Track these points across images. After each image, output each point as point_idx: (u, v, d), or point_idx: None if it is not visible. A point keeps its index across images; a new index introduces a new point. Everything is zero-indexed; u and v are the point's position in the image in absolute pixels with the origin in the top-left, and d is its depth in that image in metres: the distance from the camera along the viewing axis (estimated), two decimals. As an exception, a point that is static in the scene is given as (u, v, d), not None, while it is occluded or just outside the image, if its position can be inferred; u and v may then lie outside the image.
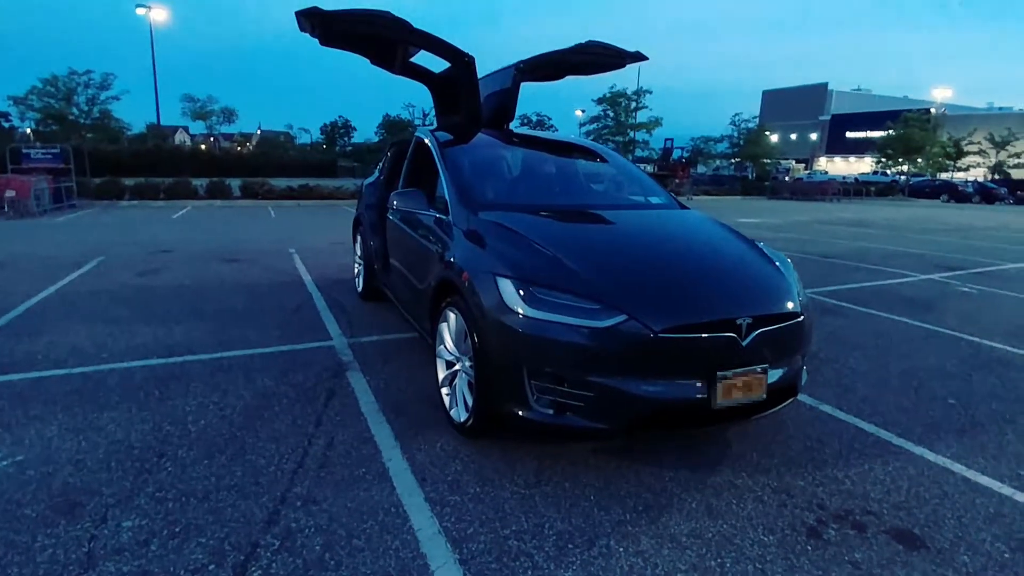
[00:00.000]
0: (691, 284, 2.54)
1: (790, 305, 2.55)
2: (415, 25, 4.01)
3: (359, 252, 5.63)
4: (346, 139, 59.93)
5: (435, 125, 4.66)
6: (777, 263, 2.88)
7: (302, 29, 4.25)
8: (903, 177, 37.98)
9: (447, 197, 3.31)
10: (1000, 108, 58.06)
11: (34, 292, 5.50)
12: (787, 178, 33.54)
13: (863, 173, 44.15)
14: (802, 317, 2.55)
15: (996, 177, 37.72)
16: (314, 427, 2.89)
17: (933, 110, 41.32)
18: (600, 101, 33.91)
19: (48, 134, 21.94)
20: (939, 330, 4.98)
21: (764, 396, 2.40)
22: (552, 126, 40.32)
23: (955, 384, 3.72)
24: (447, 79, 4.67)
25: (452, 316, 2.87)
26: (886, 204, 27.89)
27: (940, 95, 55.26)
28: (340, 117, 59.91)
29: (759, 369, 2.37)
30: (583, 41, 4.46)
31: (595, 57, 4.67)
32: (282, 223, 12.79)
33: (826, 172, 48.41)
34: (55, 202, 14.48)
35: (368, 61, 4.90)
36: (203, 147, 52.55)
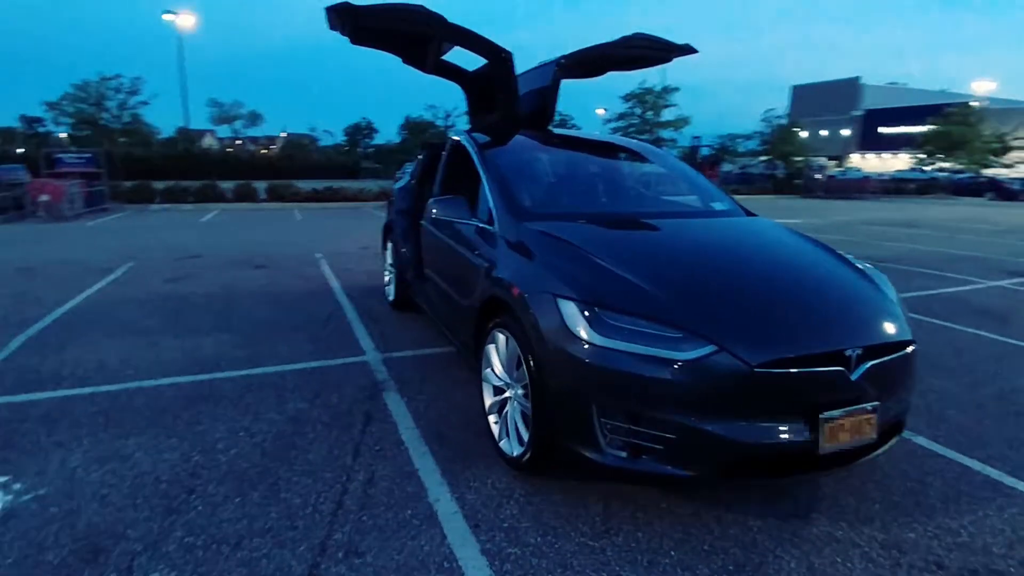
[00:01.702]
0: (789, 308, 2.21)
1: (901, 332, 2.21)
2: (450, 20, 3.77)
3: (390, 260, 5.40)
4: (369, 140, 60.43)
5: (468, 126, 4.40)
6: (876, 280, 2.54)
7: (332, 27, 4.03)
8: (943, 174, 36.55)
9: (491, 205, 3.04)
10: (1046, 100, 55.65)
11: (63, 300, 5.38)
12: (821, 176, 32.42)
13: (899, 170, 42.60)
14: (914, 346, 2.21)
15: (1044, 173, 36.05)
16: (352, 458, 2.64)
17: (975, 103, 39.59)
18: (628, 98, 33.39)
19: (82, 139, 22.43)
20: None
21: (875, 437, 2.07)
22: (575, 125, 39.95)
23: (1058, 410, 3.32)
24: (482, 77, 4.41)
25: (502, 338, 2.60)
26: (929, 203, 26.85)
27: (982, 88, 53.16)
28: (363, 119, 60.40)
29: (869, 408, 2.04)
30: (628, 34, 4.14)
31: (640, 51, 4.34)
32: (308, 226, 12.70)
33: (860, 169, 46.93)
34: (88, 205, 14.65)
35: (400, 60, 4.68)
36: (229, 150, 53.43)
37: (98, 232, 11.18)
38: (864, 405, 2.03)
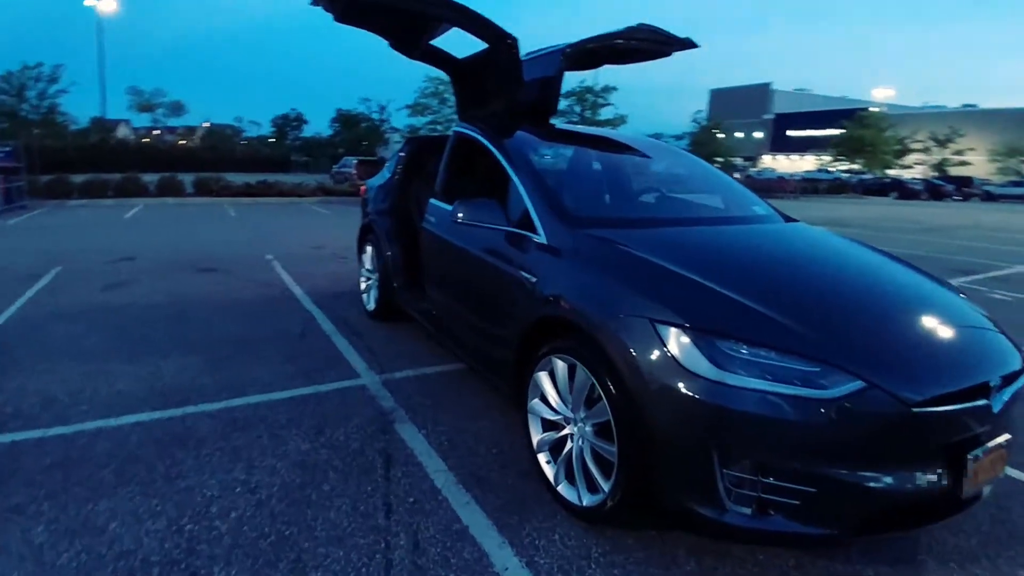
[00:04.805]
0: (921, 335, 1.99)
1: (1020, 356, 2.03)
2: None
3: (368, 264, 4.88)
4: (298, 132, 57.71)
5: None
6: (962, 294, 2.37)
7: (315, 2, 3.52)
8: (847, 175, 39.21)
9: (529, 208, 2.66)
10: (935, 107, 61.13)
11: (-25, 317, 4.52)
12: (740, 176, 34.00)
13: (807, 171, 45.46)
14: None
15: (935, 175, 39.44)
16: (385, 516, 2.20)
17: (875, 109, 42.77)
18: (567, 96, 33.55)
19: (2, 131, 20.62)
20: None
21: (1003, 474, 1.88)
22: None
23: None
24: (476, 65, 4.01)
25: (562, 365, 2.23)
26: (845, 202, 28.60)
27: (881, 95, 57.60)
28: (292, 109, 57.68)
29: (1004, 443, 1.85)
30: (632, 24, 3.85)
31: (642, 44, 4.07)
32: (247, 224, 11.73)
33: (774, 170, 49.70)
34: (6, 203, 13.16)
35: (388, 44, 4.19)
36: (145, 140, 49.65)
37: (20, 232, 9.86)
38: (1000, 440, 1.84)
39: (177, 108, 52.12)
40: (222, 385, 3.34)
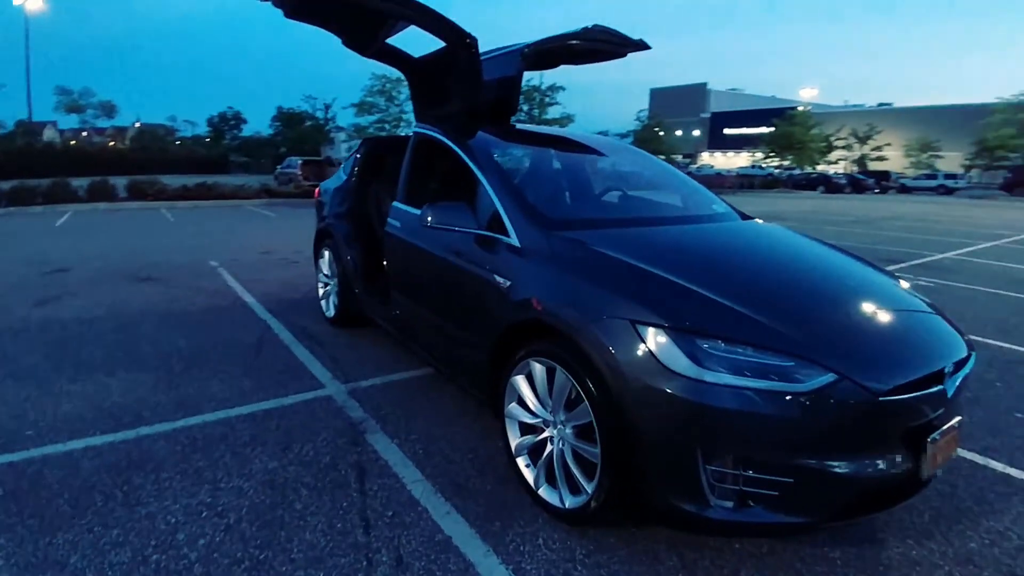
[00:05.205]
0: (881, 327, 2.10)
1: (966, 341, 2.18)
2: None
3: (326, 270, 4.75)
4: (236, 132, 55.56)
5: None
6: (904, 283, 2.53)
7: None
8: (778, 171, 41.18)
9: (500, 211, 2.64)
10: (854, 105, 65.04)
11: None
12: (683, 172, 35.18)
13: (742, 167, 47.59)
14: (974, 353, 2.19)
15: (857, 170, 41.94)
16: (363, 532, 2.15)
17: (802, 108, 45.08)
18: (514, 94, 33.68)
19: None
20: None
21: (957, 454, 2.01)
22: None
23: (1003, 393, 3.60)
24: (434, 64, 3.96)
25: (540, 368, 2.24)
26: (778, 196, 29.94)
27: (807, 94, 60.77)
28: (229, 108, 55.50)
29: (956, 424, 1.99)
30: (587, 25, 3.90)
31: (597, 44, 4.14)
32: (186, 229, 11.18)
33: (712, 166, 51.68)
34: None
35: (341, 41, 4.08)
36: (73, 143, 46.64)
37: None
38: (953, 423, 1.97)
39: (107, 108, 49.20)
40: (177, 403, 3.18)
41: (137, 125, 63.79)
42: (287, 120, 43.45)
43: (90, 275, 6.47)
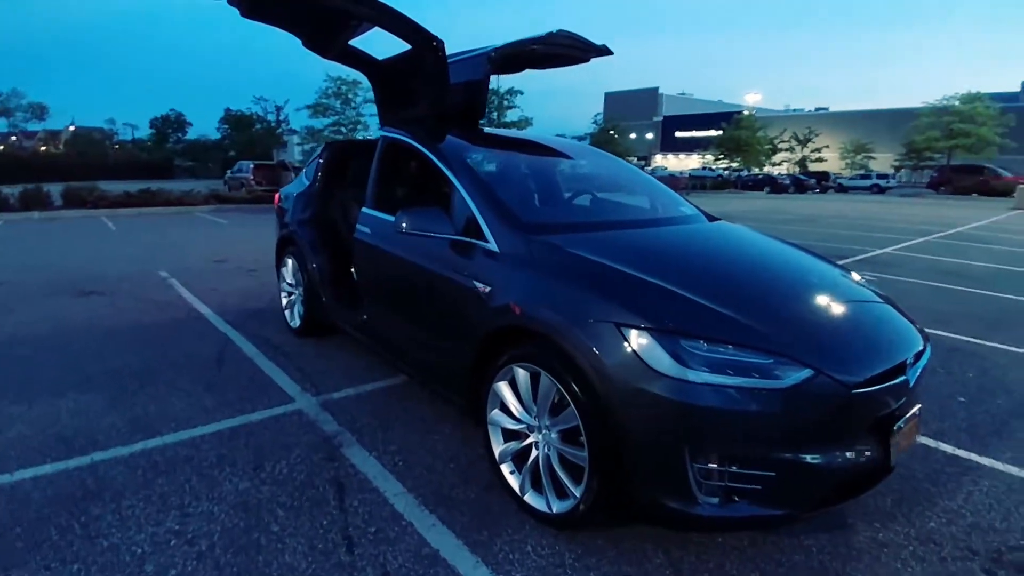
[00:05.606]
0: (848, 323, 2.19)
1: (922, 333, 2.29)
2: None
3: (290, 278, 4.60)
4: (181, 135, 53.45)
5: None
6: (856, 275, 2.65)
7: None
8: (727, 172, 42.64)
9: (476, 216, 2.61)
10: (795, 110, 68.12)
11: None
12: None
13: (694, 169, 49.16)
14: (929, 344, 2.30)
15: (799, 171, 43.84)
16: (347, 551, 2.07)
17: (747, 111, 46.89)
18: (471, 98, 33.60)
19: None
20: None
21: (917, 440, 2.12)
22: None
23: (945, 379, 3.80)
24: (399, 67, 3.90)
25: (523, 374, 2.22)
26: (728, 197, 30.96)
27: (751, 99, 63.23)
28: (172, 110, 53.31)
29: (917, 412, 2.11)
30: (552, 31, 3.93)
31: (560, 49, 4.17)
32: (131, 239, 10.64)
33: (666, 168, 53.14)
34: None
35: (300, 42, 3.97)
36: (2, 148, 43.84)
37: None
38: (914, 411, 2.10)
39: (38, 111, 46.42)
40: (133, 424, 3.00)
41: (72, 128, 60.44)
42: (236, 122, 42.00)
43: (26, 289, 6.07)
